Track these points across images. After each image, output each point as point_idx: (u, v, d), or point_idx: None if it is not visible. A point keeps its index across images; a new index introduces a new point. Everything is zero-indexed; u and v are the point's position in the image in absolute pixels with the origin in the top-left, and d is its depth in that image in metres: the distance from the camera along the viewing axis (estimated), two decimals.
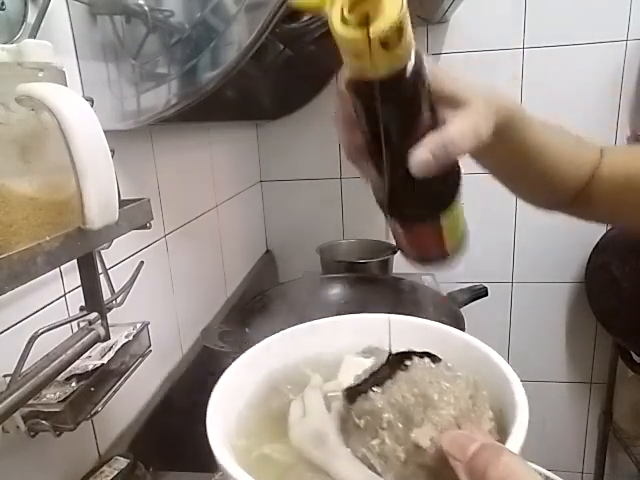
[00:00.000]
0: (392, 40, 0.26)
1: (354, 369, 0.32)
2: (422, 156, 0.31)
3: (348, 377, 0.32)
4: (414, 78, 0.29)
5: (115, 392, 0.47)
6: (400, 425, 0.25)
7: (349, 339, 0.38)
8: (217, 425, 0.30)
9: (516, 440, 0.24)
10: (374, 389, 0.27)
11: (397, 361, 0.29)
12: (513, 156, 0.46)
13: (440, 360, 0.30)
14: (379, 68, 0.28)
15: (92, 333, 0.38)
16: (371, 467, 0.25)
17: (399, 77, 0.29)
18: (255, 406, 0.34)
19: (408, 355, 0.29)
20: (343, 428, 0.29)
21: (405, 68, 0.29)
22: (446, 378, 0.27)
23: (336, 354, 0.37)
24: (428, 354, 0.30)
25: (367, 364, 0.32)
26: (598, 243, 1.27)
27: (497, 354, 0.32)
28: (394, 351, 0.31)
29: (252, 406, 0.34)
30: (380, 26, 0.26)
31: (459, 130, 0.33)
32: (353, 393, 0.28)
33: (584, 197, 0.51)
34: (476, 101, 0.35)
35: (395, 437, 0.25)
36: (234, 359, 0.36)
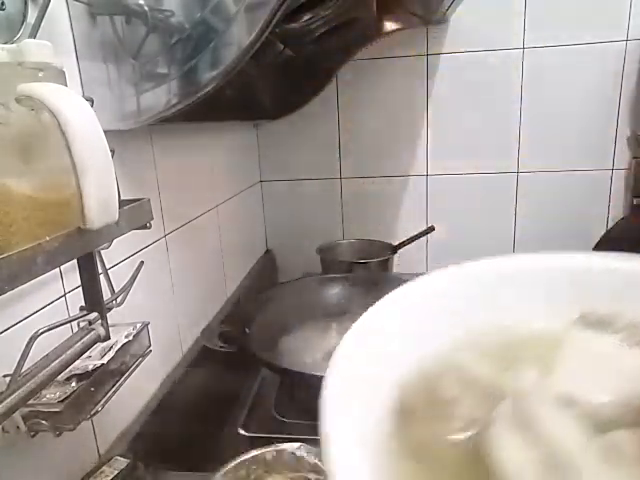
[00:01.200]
0: None
1: (594, 358, 0.17)
2: None
3: (593, 374, 0.17)
4: None
5: (115, 392, 0.47)
6: None
7: (546, 300, 0.20)
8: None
9: None
10: None
11: None
12: None
13: None
14: None
15: (92, 333, 0.38)
16: None
17: None
18: (395, 433, 0.17)
19: None
20: None
21: None
22: None
23: (523, 331, 0.20)
24: None
25: (609, 346, 0.18)
26: (598, 243, 1.27)
27: None
28: None
29: (390, 433, 0.17)
30: None
31: None
32: None
33: None
34: None
35: None
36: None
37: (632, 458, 0.13)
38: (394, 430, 0.17)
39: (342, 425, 0.14)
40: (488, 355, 0.18)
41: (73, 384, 0.43)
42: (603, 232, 1.27)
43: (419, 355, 0.18)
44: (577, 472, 0.13)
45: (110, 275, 0.46)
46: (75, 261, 0.37)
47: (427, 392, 0.18)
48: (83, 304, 0.40)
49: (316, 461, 0.49)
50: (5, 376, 0.39)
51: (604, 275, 0.19)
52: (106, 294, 0.42)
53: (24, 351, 0.33)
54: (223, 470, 0.50)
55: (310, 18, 1.01)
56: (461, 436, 0.16)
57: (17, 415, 0.39)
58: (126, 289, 0.46)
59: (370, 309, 0.19)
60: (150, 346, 0.54)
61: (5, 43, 0.39)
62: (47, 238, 0.29)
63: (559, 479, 0.13)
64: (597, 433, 0.14)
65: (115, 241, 0.39)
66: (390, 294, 0.20)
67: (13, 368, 0.33)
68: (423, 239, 1.24)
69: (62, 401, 0.41)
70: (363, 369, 0.16)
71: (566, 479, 0.13)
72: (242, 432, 0.73)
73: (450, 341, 0.19)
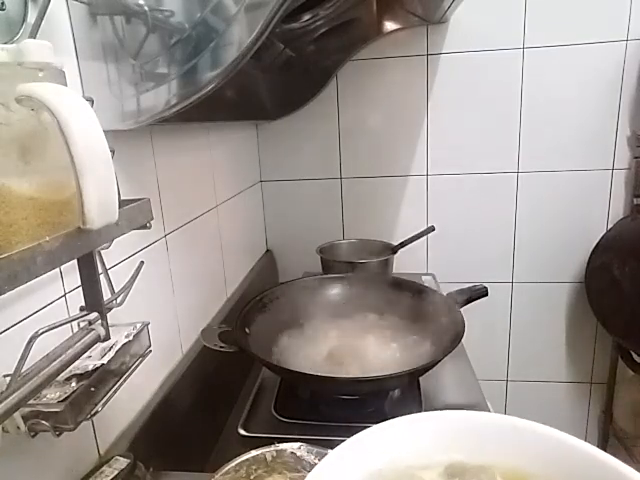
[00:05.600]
0: None
1: None
2: None
3: None
4: None
5: (115, 392, 0.47)
6: None
7: (421, 451, 0.29)
8: None
9: None
10: None
11: None
12: None
13: None
14: None
15: (92, 333, 0.38)
16: None
17: None
18: None
19: None
20: None
21: None
22: None
23: (412, 472, 0.28)
24: None
25: None
26: (598, 243, 1.27)
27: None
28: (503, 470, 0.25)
29: None
30: None
31: None
32: None
33: None
34: None
35: None
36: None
37: None
38: None
39: None
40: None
41: (73, 384, 0.43)
42: (603, 232, 1.27)
43: None
44: None
45: (110, 275, 0.46)
46: (75, 261, 0.37)
47: None
48: (83, 304, 0.40)
49: (316, 461, 0.49)
50: (5, 376, 0.39)
51: (472, 432, 0.29)
52: (106, 294, 0.42)
53: (24, 351, 0.33)
54: (223, 470, 0.50)
55: (310, 18, 1.01)
56: None
57: (17, 415, 0.39)
58: (126, 289, 0.46)
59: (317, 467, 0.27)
60: (150, 346, 0.54)
61: (5, 43, 0.39)
62: (47, 238, 0.29)
63: None
64: None
65: (115, 241, 0.39)
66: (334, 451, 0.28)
67: (13, 368, 0.33)
68: (423, 239, 1.24)
69: (62, 401, 0.41)
70: None
71: None
72: (242, 432, 0.73)
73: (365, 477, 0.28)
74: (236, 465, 0.51)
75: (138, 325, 0.52)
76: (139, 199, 0.41)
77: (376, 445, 0.29)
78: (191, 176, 0.87)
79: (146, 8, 0.48)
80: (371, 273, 1.14)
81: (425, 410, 0.75)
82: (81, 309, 0.40)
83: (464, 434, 0.29)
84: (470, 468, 0.28)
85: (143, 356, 0.52)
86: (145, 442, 0.61)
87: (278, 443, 0.52)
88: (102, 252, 0.44)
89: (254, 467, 0.51)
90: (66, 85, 0.32)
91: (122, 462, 0.51)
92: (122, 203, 0.36)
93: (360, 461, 0.28)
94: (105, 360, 0.45)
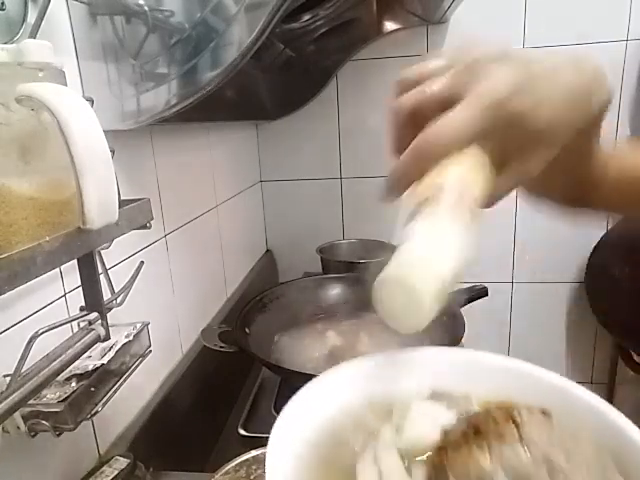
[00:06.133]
0: None
1: (425, 419, 0.27)
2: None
3: (421, 429, 0.27)
4: None
5: (115, 392, 0.47)
6: None
7: (409, 379, 0.32)
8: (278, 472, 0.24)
9: None
10: (477, 448, 0.22)
11: (502, 413, 0.24)
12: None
13: (550, 415, 0.24)
14: None
15: (92, 333, 0.38)
16: None
17: None
18: (315, 461, 0.27)
19: (508, 407, 0.24)
20: None
21: None
22: (568, 438, 0.23)
23: (398, 397, 0.30)
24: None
25: (442, 412, 0.28)
26: (598, 243, 1.27)
27: (618, 412, 0.25)
28: (481, 399, 0.27)
29: (311, 462, 0.27)
30: None
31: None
32: (450, 452, 0.23)
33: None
34: None
35: None
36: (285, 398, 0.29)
37: (421, 476, 0.24)
38: (311, 456, 0.27)
39: (279, 452, 0.25)
40: (374, 412, 0.30)
41: (73, 384, 0.43)
42: (603, 232, 1.27)
43: (337, 408, 0.30)
44: None
45: (110, 275, 0.46)
46: (75, 261, 0.37)
47: (336, 432, 0.29)
48: (83, 304, 0.40)
49: None
50: (5, 376, 0.39)
51: (452, 365, 0.32)
52: (106, 294, 0.42)
53: (24, 351, 0.33)
54: (223, 470, 0.50)
55: (310, 18, 1.01)
56: (353, 461, 0.27)
57: (17, 415, 0.39)
58: (126, 289, 0.46)
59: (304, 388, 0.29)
60: (150, 346, 0.54)
61: (5, 43, 0.39)
62: (47, 238, 0.29)
63: None
64: (410, 461, 0.26)
65: (115, 241, 0.39)
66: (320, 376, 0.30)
67: (13, 368, 0.33)
68: None
69: (62, 401, 0.41)
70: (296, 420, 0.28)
71: None
72: (242, 432, 0.73)
73: (355, 402, 0.30)
74: (236, 465, 0.51)
75: (138, 325, 0.52)
76: (139, 199, 0.41)
77: (361, 374, 0.32)
78: (191, 176, 0.87)
79: (146, 8, 0.48)
80: (371, 273, 1.14)
81: None
82: (81, 309, 0.40)
83: (446, 367, 0.32)
84: (452, 395, 0.30)
85: (143, 356, 0.52)
86: (145, 442, 0.61)
87: None
88: (102, 252, 0.44)
89: (254, 467, 0.51)
90: (66, 85, 0.32)
91: (122, 462, 0.51)
92: (122, 203, 0.36)
93: (347, 385, 0.31)
94: (105, 360, 0.45)
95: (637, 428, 0.24)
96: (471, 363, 0.32)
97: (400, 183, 0.31)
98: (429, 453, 0.25)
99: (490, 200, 0.32)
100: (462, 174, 0.29)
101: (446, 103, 0.29)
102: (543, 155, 0.30)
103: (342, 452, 0.28)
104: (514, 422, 0.23)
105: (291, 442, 0.26)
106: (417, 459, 0.26)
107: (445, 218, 0.28)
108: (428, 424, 0.27)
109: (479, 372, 0.31)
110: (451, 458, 0.23)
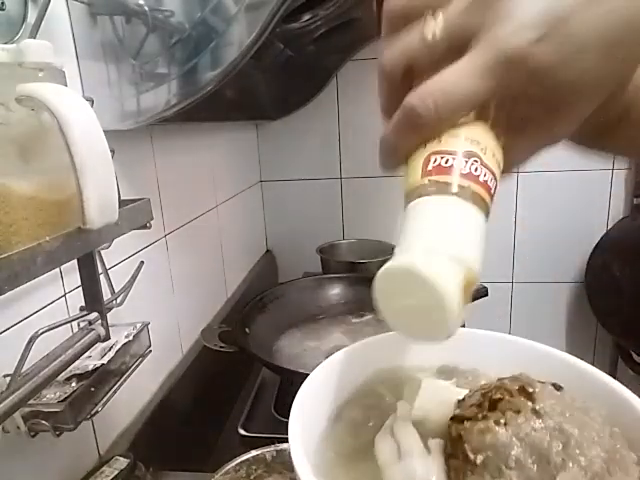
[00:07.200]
0: None
1: (435, 393, 0.28)
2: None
3: (433, 403, 0.27)
4: None
5: (115, 392, 0.47)
6: (532, 465, 0.21)
7: (418, 355, 0.32)
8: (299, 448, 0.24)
9: None
10: (493, 420, 0.23)
11: (515, 386, 0.24)
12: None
13: (562, 388, 0.25)
14: None
15: (92, 333, 0.38)
16: None
17: None
18: (332, 436, 0.28)
19: (522, 380, 0.25)
20: (452, 466, 0.24)
21: None
22: (578, 409, 0.23)
23: (409, 372, 0.32)
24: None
25: (451, 388, 0.29)
26: (598, 243, 1.27)
27: (625, 388, 0.26)
28: (493, 375, 0.27)
29: (329, 436, 0.29)
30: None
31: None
32: (466, 423, 0.24)
33: None
34: None
35: (527, 478, 0.21)
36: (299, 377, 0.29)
37: (436, 452, 0.25)
38: (329, 432, 0.29)
39: (299, 429, 0.25)
40: (387, 388, 0.31)
41: (73, 384, 0.43)
42: (603, 232, 1.27)
43: (351, 386, 0.31)
44: (412, 458, 0.24)
45: (110, 275, 0.46)
46: (75, 261, 0.37)
47: (356, 407, 0.30)
48: (83, 304, 0.40)
49: None
50: (5, 376, 0.39)
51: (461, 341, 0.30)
52: (106, 294, 0.42)
53: (24, 351, 0.33)
54: (223, 470, 0.50)
55: (310, 18, 1.01)
56: (371, 436, 0.27)
57: (17, 415, 0.39)
58: (126, 289, 0.46)
59: (319, 367, 0.30)
60: (150, 346, 0.54)
61: (5, 43, 0.39)
62: (47, 238, 0.29)
63: (405, 461, 0.25)
64: (426, 438, 0.26)
65: (115, 241, 0.39)
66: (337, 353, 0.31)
67: (13, 368, 0.33)
68: None
69: (62, 401, 0.41)
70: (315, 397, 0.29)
71: (407, 461, 0.24)
72: (242, 432, 0.73)
73: (369, 376, 0.32)
74: (236, 465, 0.51)
75: (138, 325, 0.52)
76: (139, 199, 0.41)
77: (371, 352, 0.32)
78: (191, 176, 0.87)
79: (146, 8, 0.48)
80: (371, 273, 1.14)
81: None
82: (81, 309, 0.40)
83: (456, 344, 0.30)
84: (460, 370, 0.31)
85: (143, 356, 0.52)
86: (145, 442, 0.61)
87: (278, 443, 0.52)
88: (102, 252, 0.44)
89: (254, 467, 0.51)
90: (66, 85, 0.32)
91: (122, 462, 0.51)
92: (122, 203, 0.36)
93: (358, 364, 0.31)
94: (105, 360, 0.45)
95: None
96: (478, 341, 0.32)
97: (393, 155, 0.27)
98: (444, 425, 0.25)
99: (506, 168, 0.25)
100: (477, 136, 0.23)
101: (447, 50, 0.23)
102: (574, 117, 0.24)
103: (359, 428, 0.28)
104: (527, 394, 0.23)
105: (310, 419, 0.27)
106: (431, 431, 0.26)
107: (461, 194, 0.22)
108: (439, 399, 0.27)
109: (486, 348, 0.32)
110: (467, 429, 0.23)
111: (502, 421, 0.22)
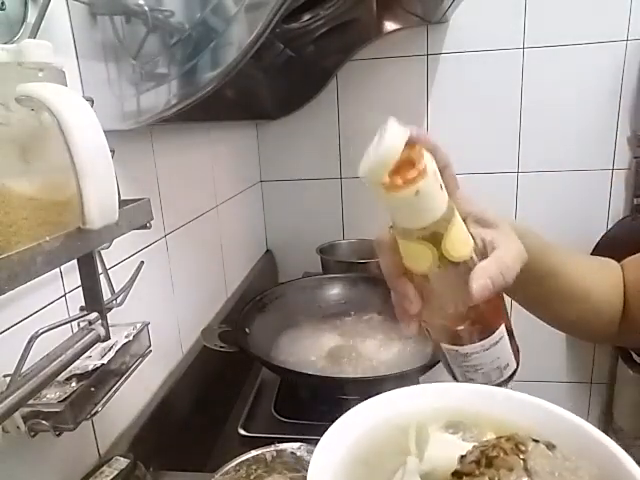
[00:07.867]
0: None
1: (443, 447, 0.30)
2: (481, 281, 0.33)
3: (439, 458, 0.30)
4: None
5: (115, 392, 0.47)
6: None
7: (427, 407, 0.35)
8: None
9: None
10: (488, 476, 0.25)
11: (510, 445, 0.26)
12: (538, 281, 0.47)
13: (555, 447, 0.27)
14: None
15: (92, 333, 0.38)
16: None
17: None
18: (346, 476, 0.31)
19: (516, 439, 0.27)
20: None
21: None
22: (567, 469, 0.25)
23: (417, 425, 0.34)
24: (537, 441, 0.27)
25: (457, 442, 0.31)
26: (598, 243, 1.27)
27: (617, 445, 0.27)
28: (490, 433, 0.29)
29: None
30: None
31: (510, 256, 0.36)
32: (465, 479, 0.26)
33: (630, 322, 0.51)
34: (503, 223, 0.38)
35: None
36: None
37: None
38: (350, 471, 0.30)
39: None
40: (401, 435, 0.33)
41: (73, 384, 0.43)
42: (603, 232, 1.27)
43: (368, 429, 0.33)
44: None
45: (110, 275, 0.46)
46: (75, 261, 0.37)
47: (369, 453, 0.32)
48: (83, 304, 0.40)
49: None
50: (5, 376, 0.39)
51: (465, 396, 0.34)
52: (106, 294, 0.42)
53: (24, 351, 0.33)
54: (223, 470, 0.50)
55: (310, 18, 1.01)
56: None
57: (17, 415, 0.39)
58: (126, 289, 0.46)
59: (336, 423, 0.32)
60: (150, 346, 0.54)
61: (5, 43, 0.39)
62: (47, 238, 0.29)
63: None
64: None
65: (115, 241, 0.38)
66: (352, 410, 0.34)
67: (13, 368, 0.33)
68: None
69: (62, 401, 0.41)
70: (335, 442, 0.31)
71: None
72: (242, 432, 0.73)
73: (368, 437, 0.33)
74: (236, 465, 0.51)
75: (138, 325, 0.52)
76: (139, 199, 0.41)
77: (379, 409, 0.35)
78: (191, 176, 0.87)
79: (146, 8, 0.48)
80: (371, 273, 1.14)
81: None
82: (81, 309, 0.40)
83: (460, 401, 0.34)
84: (466, 424, 0.33)
85: (143, 356, 0.52)
86: (145, 442, 0.61)
87: (278, 443, 0.52)
88: (102, 252, 0.44)
89: (254, 467, 0.51)
90: (66, 85, 0.32)
91: (122, 462, 0.51)
92: (122, 203, 0.36)
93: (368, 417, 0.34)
94: (105, 360, 0.45)
95: (633, 461, 0.26)
96: (483, 395, 0.35)
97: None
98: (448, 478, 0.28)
99: None
100: None
101: None
102: None
103: (374, 473, 0.31)
104: (521, 453, 0.26)
105: (328, 462, 0.29)
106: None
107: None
108: (446, 454, 0.29)
109: (491, 401, 0.34)
110: None
111: (496, 478, 0.25)
